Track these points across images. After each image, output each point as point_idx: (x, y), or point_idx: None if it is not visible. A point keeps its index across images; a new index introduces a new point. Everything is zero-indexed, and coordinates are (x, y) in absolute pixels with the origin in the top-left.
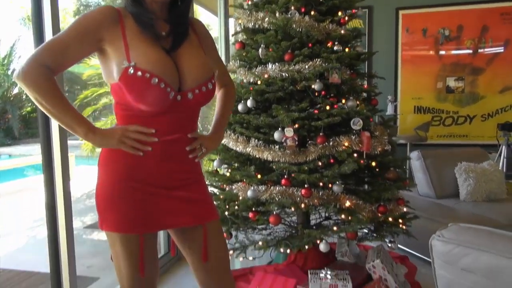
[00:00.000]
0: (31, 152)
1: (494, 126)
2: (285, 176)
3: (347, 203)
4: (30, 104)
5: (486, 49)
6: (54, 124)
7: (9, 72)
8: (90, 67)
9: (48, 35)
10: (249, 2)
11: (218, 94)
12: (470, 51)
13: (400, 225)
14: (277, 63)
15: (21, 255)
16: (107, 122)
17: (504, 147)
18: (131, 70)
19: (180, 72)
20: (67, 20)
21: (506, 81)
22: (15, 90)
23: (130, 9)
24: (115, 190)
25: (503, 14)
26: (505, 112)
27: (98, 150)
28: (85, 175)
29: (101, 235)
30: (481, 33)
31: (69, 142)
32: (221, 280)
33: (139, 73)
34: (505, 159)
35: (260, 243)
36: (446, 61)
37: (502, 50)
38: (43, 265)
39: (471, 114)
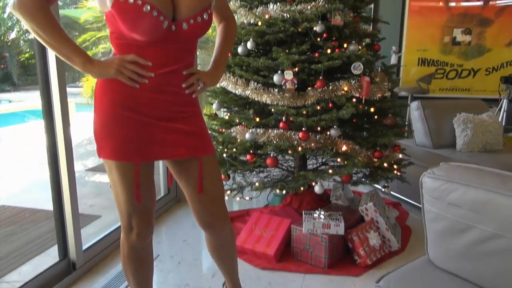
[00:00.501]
0: (31, 99)
1: (498, 80)
2: (283, 119)
3: (344, 148)
4: (28, 50)
5: (497, 0)
6: (53, 71)
7: (5, 16)
8: (87, 9)
9: None
10: None
11: (218, 29)
12: (481, 3)
13: (395, 171)
14: (278, 3)
15: (26, 195)
16: None
17: (505, 100)
18: None
19: (174, 1)
20: None
21: None
22: (12, 35)
23: None
24: (110, 119)
25: None
26: (510, 66)
27: None
28: (85, 121)
29: (102, 177)
30: None
31: (68, 89)
32: (215, 212)
33: (131, 0)
34: (505, 113)
35: (257, 184)
36: (455, 11)
37: None
38: (47, 204)
39: (476, 68)
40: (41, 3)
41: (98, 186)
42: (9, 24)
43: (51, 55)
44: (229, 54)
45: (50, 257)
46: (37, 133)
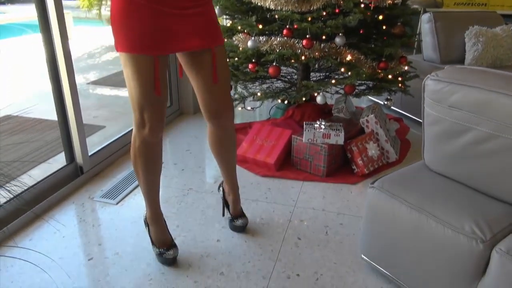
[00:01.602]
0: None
1: None
2: (287, 26)
3: (348, 57)
4: None
5: None
6: None
7: None
8: None
9: None
10: None
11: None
12: None
13: (399, 84)
14: None
15: (29, 105)
16: None
17: None
18: None
19: None
20: None
21: None
22: None
23: None
24: (124, 9)
25: None
26: None
27: (95, 11)
28: (84, 35)
29: (104, 90)
30: None
31: (65, 3)
32: (224, 100)
33: None
34: None
35: (259, 94)
36: None
37: None
38: (52, 114)
39: None
40: None
41: (101, 98)
42: None
43: None
44: None
45: (58, 162)
46: (36, 46)
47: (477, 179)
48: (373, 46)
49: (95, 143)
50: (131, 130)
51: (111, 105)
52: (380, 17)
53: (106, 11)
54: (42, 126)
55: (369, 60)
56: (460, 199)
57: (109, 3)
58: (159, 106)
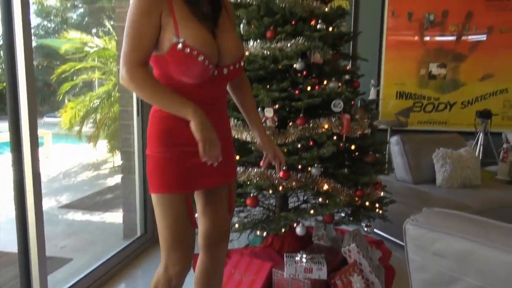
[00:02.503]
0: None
1: (473, 113)
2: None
3: (325, 186)
4: (3, 79)
5: (469, 36)
6: (23, 101)
7: None
8: (68, 40)
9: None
10: None
11: (238, 91)
12: (454, 37)
13: (377, 210)
14: (258, 40)
15: None
16: (85, 98)
17: (481, 134)
18: (180, 46)
19: (220, 50)
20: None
21: (487, 69)
22: None
23: None
24: (159, 158)
25: (489, 0)
26: (484, 100)
27: (76, 128)
28: (62, 153)
29: (76, 215)
30: (466, 19)
31: (47, 119)
32: (225, 230)
33: (187, 49)
34: (481, 147)
35: (237, 225)
36: (430, 46)
37: (484, 38)
38: (14, 245)
39: (452, 101)
40: (145, 72)
41: (71, 224)
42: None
43: (22, 84)
44: None
45: None
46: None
47: None
48: (347, 172)
49: (59, 281)
50: (101, 264)
51: (81, 233)
52: (353, 147)
53: (87, 128)
54: (1, 261)
55: (346, 188)
56: None
57: (90, 121)
58: (190, 246)
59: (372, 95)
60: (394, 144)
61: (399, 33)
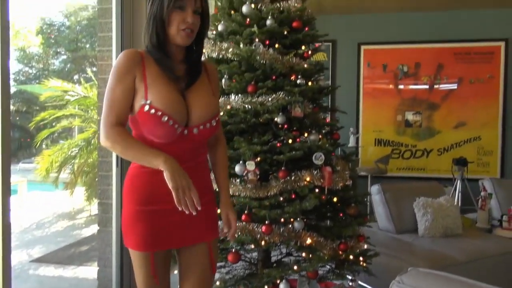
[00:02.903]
0: None
1: (450, 160)
2: (246, 212)
3: (308, 241)
4: None
5: (441, 85)
6: None
7: None
8: (48, 88)
9: None
10: (214, 32)
11: (212, 153)
12: (427, 87)
13: (361, 263)
14: (240, 95)
15: None
16: (64, 146)
17: (459, 181)
18: (147, 108)
19: (188, 110)
20: (28, 38)
21: (460, 117)
22: None
23: (153, 54)
24: (132, 214)
25: (456, 54)
26: (460, 147)
27: (52, 175)
28: (37, 201)
29: (47, 270)
30: (437, 71)
31: (22, 165)
32: None
33: (153, 110)
34: (460, 193)
35: (218, 283)
36: (405, 95)
37: (455, 87)
38: None
39: (428, 148)
40: (119, 131)
41: (42, 281)
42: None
43: None
44: None
45: None
46: None
47: None
48: (330, 224)
49: None
50: None
51: None
52: (335, 199)
53: (64, 174)
54: None
55: (329, 241)
56: None
57: (67, 170)
58: None
59: (352, 142)
60: (375, 193)
61: (375, 82)
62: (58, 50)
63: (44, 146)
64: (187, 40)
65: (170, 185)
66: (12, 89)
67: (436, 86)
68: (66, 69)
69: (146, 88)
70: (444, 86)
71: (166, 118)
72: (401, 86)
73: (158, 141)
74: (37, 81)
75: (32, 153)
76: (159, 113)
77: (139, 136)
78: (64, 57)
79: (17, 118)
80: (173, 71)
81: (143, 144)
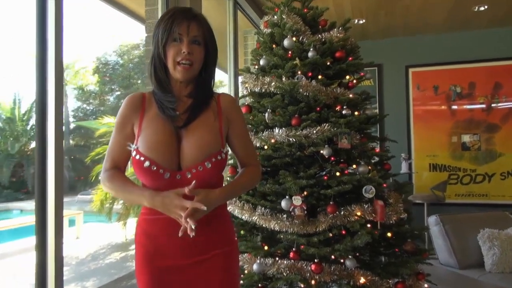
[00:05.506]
0: None
1: None
2: (294, 249)
3: (362, 280)
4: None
5: (499, 105)
6: (51, 182)
7: (28, 128)
8: (103, 125)
9: (51, 87)
10: (256, 67)
11: (241, 170)
12: (484, 106)
13: None
14: (284, 128)
15: None
16: None
17: None
18: (133, 153)
19: (180, 153)
20: (86, 77)
21: None
22: (32, 145)
23: (155, 93)
24: (139, 270)
25: None
26: None
27: (107, 206)
28: (92, 233)
29: None
30: (494, 90)
31: (80, 197)
32: None
33: (138, 156)
34: None
35: None
36: (460, 117)
37: None
38: None
39: (490, 172)
40: (114, 175)
41: None
42: (31, 135)
43: (51, 164)
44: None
45: None
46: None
47: None
48: (385, 261)
49: None
50: None
51: None
52: (389, 234)
53: (118, 206)
54: None
55: (385, 280)
56: None
57: (120, 202)
58: None
59: (404, 168)
60: (434, 225)
61: (426, 104)
62: (113, 87)
63: (99, 179)
64: (185, 74)
65: (164, 212)
66: (71, 125)
67: (494, 105)
68: (120, 104)
69: (139, 133)
70: (503, 105)
71: (148, 163)
72: (454, 107)
73: (148, 186)
74: (94, 116)
75: (90, 185)
76: (142, 158)
77: (139, 179)
78: (118, 93)
79: (76, 152)
80: (172, 110)
81: (133, 185)
